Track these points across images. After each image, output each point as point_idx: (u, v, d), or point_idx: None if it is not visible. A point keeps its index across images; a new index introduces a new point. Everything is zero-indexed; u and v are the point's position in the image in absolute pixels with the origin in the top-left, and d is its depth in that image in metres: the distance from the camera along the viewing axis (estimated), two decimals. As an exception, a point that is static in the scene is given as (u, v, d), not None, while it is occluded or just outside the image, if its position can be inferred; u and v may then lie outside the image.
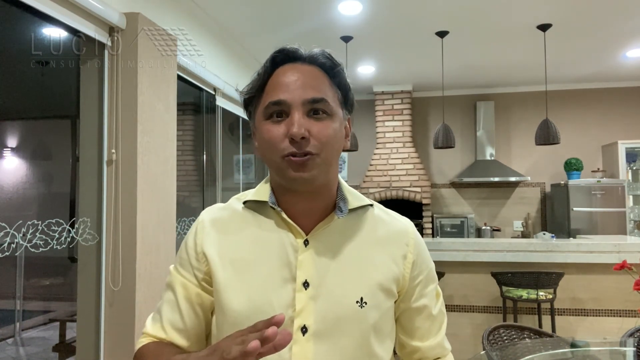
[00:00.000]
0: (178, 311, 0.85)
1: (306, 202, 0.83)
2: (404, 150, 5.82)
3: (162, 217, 2.69)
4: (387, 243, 0.86)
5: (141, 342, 0.86)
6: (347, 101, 0.85)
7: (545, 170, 5.91)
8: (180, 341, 0.85)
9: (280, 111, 0.78)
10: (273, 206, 0.83)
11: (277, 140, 0.77)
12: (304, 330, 0.78)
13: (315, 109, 0.78)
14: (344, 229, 0.85)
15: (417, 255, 0.89)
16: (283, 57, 0.84)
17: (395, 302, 0.87)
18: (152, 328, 0.87)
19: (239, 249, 0.83)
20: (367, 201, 0.89)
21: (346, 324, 0.79)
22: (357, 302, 0.80)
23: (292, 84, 0.79)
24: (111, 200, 2.47)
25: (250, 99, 0.85)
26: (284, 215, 0.82)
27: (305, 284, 0.80)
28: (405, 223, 0.92)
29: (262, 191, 0.86)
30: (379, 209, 0.91)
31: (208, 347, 0.64)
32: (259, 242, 0.83)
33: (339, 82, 0.84)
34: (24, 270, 4.49)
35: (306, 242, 0.83)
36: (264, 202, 0.85)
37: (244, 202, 0.87)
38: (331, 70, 0.83)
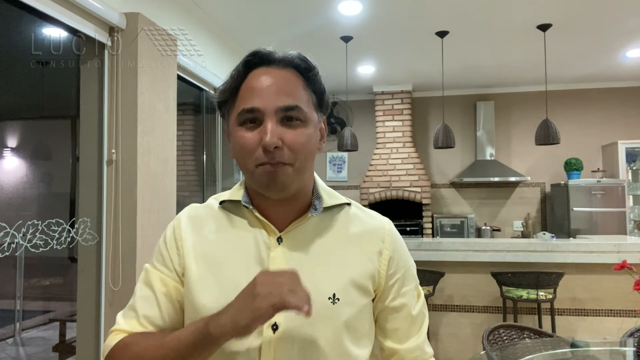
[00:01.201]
0: (157, 307, 0.83)
1: (279, 206, 0.83)
2: (404, 150, 5.82)
3: (162, 217, 2.69)
4: (362, 240, 0.85)
5: (114, 338, 0.81)
6: (322, 104, 0.84)
7: (545, 170, 5.91)
8: None
9: (253, 118, 0.78)
10: (246, 205, 0.83)
11: (251, 149, 0.77)
12: (274, 327, 0.77)
13: (289, 117, 0.77)
14: (318, 227, 0.84)
15: (394, 251, 0.87)
16: (257, 61, 0.81)
17: (373, 300, 0.85)
18: (126, 324, 0.83)
19: (213, 245, 0.84)
20: (343, 200, 0.88)
21: (318, 320, 0.76)
22: (329, 298, 0.79)
23: (266, 90, 0.77)
24: (111, 200, 2.47)
25: (224, 102, 0.83)
26: (257, 214, 0.83)
27: None
28: (381, 220, 0.90)
29: (236, 192, 0.87)
30: (356, 207, 0.91)
31: (240, 293, 0.67)
32: (232, 240, 0.84)
33: (314, 86, 0.83)
34: (24, 270, 4.49)
35: (279, 240, 0.83)
36: (238, 202, 0.85)
37: (220, 202, 0.88)
38: (307, 73, 0.82)
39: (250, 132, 0.77)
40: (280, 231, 0.83)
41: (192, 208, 0.92)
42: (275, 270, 0.70)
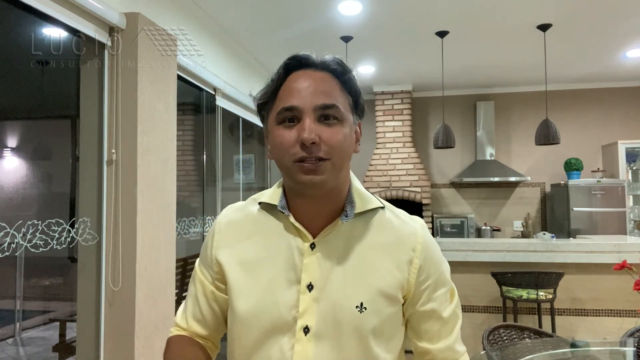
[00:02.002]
0: (197, 304, 0.94)
1: (315, 205, 0.85)
2: (404, 150, 5.82)
3: (162, 217, 2.69)
4: (393, 248, 0.87)
5: (171, 331, 0.97)
6: (357, 107, 0.87)
7: (545, 170, 5.91)
8: (201, 330, 0.95)
9: (292, 117, 0.80)
10: (282, 210, 0.87)
11: (289, 145, 0.79)
12: (306, 330, 0.81)
13: (326, 115, 0.80)
14: (351, 233, 0.86)
15: (425, 259, 0.87)
16: (296, 64, 0.84)
17: (403, 305, 0.88)
18: (179, 318, 0.97)
19: (249, 251, 0.88)
20: (377, 204, 0.89)
21: (345, 326, 0.81)
22: (357, 307, 0.82)
23: (304, 90, 0.81)
24: (111, 200, 2.47)
25: (264, 104, 0.86)
26: (292, 220, 0.86)
27: (310, 287, 0.83)
28: (414, 226, 0.90)
29: (274, 194, 0.90)
30: (390, 211, 0.91)
31: None
32: (267, 245, 0.87)
33: (350, 88, 0.85)
34: (24, 270, 4.49)
35: (312, 246, 0.85)
36: (275, 205, 0.88)
37: (259, 203, 0.92)
38: (342, 76, 0.85)
39: (289, 130, 0.80)
40: (314, 236, 0.85)
41: (232, 210, 0.95)
42: None
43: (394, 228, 0.89)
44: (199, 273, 0.94)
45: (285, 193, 0.89)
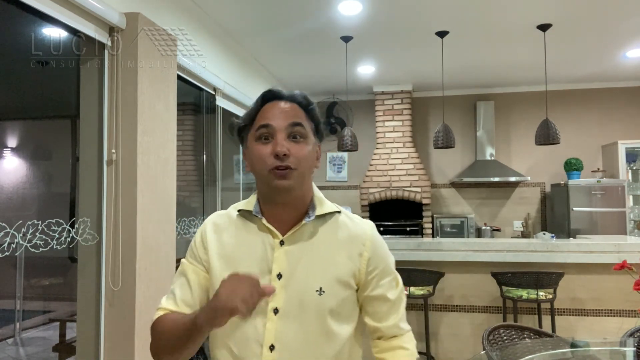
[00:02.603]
0: (189, 291, 1.07)
1: (283, 210, 1.06)
2: (404, 150, 5.82)
3: (162, 217, 2.69)
4: (347, 244, 1.07)
5: (157, 314, 1.07)
6: (318, 131, 1.09)
7: (545, 170, 5.91)
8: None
9: (267, 134, 1.02)
10: (256, 215, 1.07)
11: (266, 157, 1.00)
12: (275, 311, 1.01)
13: (294, 133, 1.02)
14: (313, 232, 1.06)
15: (372, 253, 1.08)
16: (270, 96, 1.06)
17: (356, 291, 1.08)
18: (166, 303, 1.08)
19: (230, 247, 1.07)
20: (334, 209, 1.10)
21: (308, 307, 1.01)
22: (317, 290, 1.01)
23: (278, 114, 1.03)
24: (111, 200, 2.47)
25: (244, 127, 1.08)
26: (265, 222, 1.06)
27: (279, 276, 1.02)
28: (364, 227, 1.11)
29: (250, 202, 1.10)
30: (345, 215, 1.12)
31: (213, 297, 0.88)
32: (245, 242, 1.07)
33: (312, 117, 1.08)
34: (24, 270, 4.49)
35: (282, 242, 1.05)
36: (251, 211, 1.08)
37: (238, 210, 1.11)
38: (307, 107, 1.07)
39: (265, 145, 1.01)
40: (282, 235, 1.05)
41: (216, 215, 1.16)
42: (241, 275, 0.89)
43: (348, 228, 1.09)
44: (191, 266, 1.09)
45: (259, 201, 1.08)
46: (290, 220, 1.05)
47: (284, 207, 1.05)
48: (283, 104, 1.04)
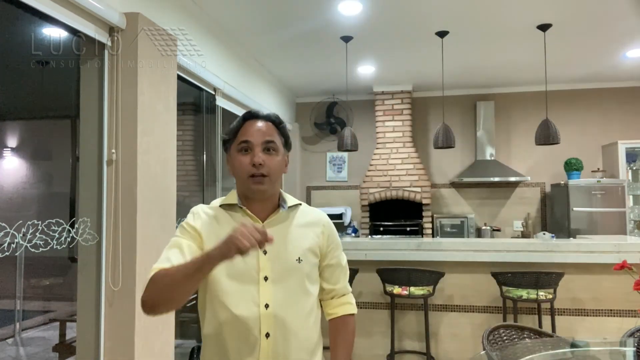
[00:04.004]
0: (183, 257, 1.22)
1: (259, 204, 1.32)
2: (404, 150, 5.82)
3: (162, 217, 2.69)
4: (312, 225, 1.38)
5: (155, 269, 1.21)
6: (287, 144, 1.37)
7: (545, 170, 5.91)
8: None
9: (247, 147, 1.29)
10: (241, 206, 1.32)
11: (245, 165, 1.28)
12: (265, 278, 1.26)
13: (268, 147, 1.29)
14: (286, 217, 1.35)
15: (329, 232, 1.41)
16: (250, 116, 1.33)
17: (319, 260, 1.37)
18: (162, 263, 1.22)
19: (220, 229, 1.28)
20: (298, 202, 1.39)
21: (290, 273, 1.29)
22: (296, 259, 1.30)
23: (256, 131, 1.30)
24: (111, 200, 2.47)
25: (228, 140, 1.35)
26: (247, 211, 1.31)
27: (265, 252, 1.27)
28: (321, 215, 1.43)
29: (231, 197, 1.35)
30: (305, 206, 1.43)
31: (225, 238, 1.05)
32: (232, 226, 1.18)
33: (283, 132, 1.35)
34: (24, 270, 4.48)
35: (263, 227, 1.20)
36: (234, 204, 1.32)
37: (220, 205, 1.34)
38: (279, 125, 1.35)
39: (245, 156, 1.29)
40: (262, 221, 1.31)
41: (202, 206, 1.37)
42: (252, 224, 1.07)
43: (310, 214, 1.41)
44: (184, 240, 1.27)
45: (239, 196, 1.33)
46: (264, 211, 1.32)
47: (259, 202, 1.32)
48: (260, 123, 1.31)
